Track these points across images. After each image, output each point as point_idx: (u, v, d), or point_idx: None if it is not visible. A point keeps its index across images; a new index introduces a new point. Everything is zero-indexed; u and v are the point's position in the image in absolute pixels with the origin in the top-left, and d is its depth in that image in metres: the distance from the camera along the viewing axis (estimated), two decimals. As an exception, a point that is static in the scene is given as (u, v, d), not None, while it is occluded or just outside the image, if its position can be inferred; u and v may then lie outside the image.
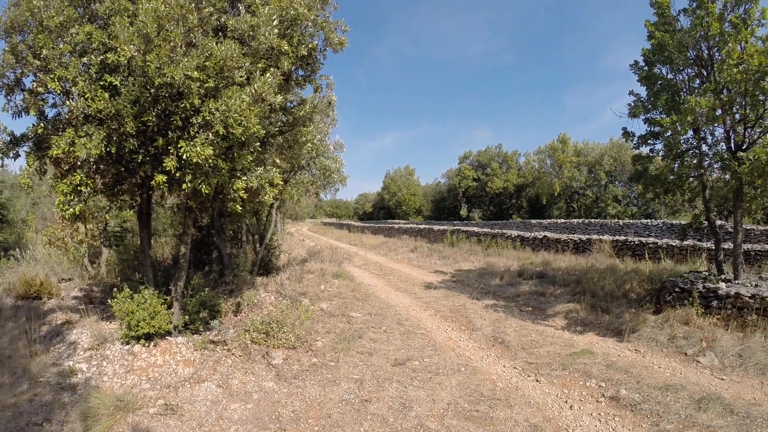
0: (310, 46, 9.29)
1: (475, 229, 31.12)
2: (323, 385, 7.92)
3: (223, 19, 8.09)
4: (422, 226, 38.77)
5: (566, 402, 7.45)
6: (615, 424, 6.76)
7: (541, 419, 6.86)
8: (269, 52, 8.22)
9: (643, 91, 12.98)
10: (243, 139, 7.62)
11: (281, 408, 7.16)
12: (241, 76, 7.66)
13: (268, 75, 7.84)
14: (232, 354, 8.99)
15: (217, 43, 7.41)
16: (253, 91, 7.55)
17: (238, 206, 8.45)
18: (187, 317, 9.67)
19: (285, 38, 8.48)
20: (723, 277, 11.96)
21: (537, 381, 8.27)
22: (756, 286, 10.99)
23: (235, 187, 7.98)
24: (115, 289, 9.31)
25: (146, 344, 8.89)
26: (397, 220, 70.54)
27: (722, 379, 8.35)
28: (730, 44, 10.78)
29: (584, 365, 8.85)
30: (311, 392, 7.66)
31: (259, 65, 8.08)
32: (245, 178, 8.15)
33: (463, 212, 68.63)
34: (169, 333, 9.28)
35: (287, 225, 59.59)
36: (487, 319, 12.22)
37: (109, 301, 9.22)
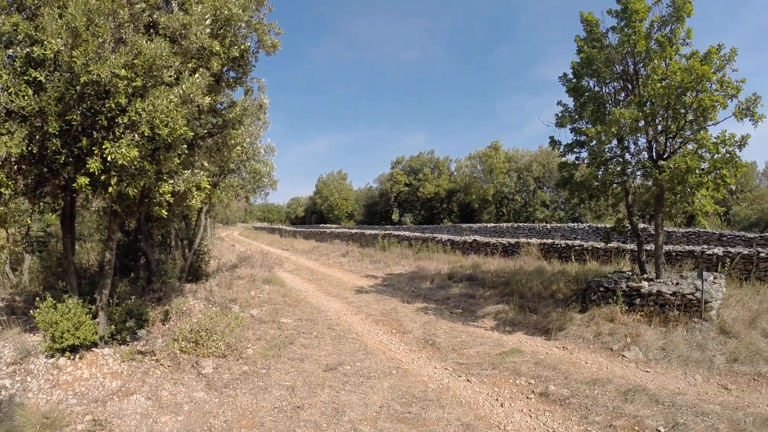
0: (242, 47, 9.11)
1: (407, 233, 31.40)
2: (255, 393, 7.78)
3: (155, 16, 7.81)
4: (354, 231, 38.79)
5: (497, 400, 7.62)
6: (545, 419, 6.95)
7: (473, 418, 6.97)
8: (200, 52, 8.00)
9: (570, 102, 13.54)
10: (169, 140, 7.36)
11: (213, 419, 6.99)
12: (170, 76, 7.42)
13: (197, 76, 7.62)
14: (161, 364, 8.67)
15: (147, 41, 7.18)
16: (181, 91, 7.32)
17: (164, 211, 8.13)
18: (113, 327, 9.22)
19: (217, 38, 8.28)
20: (645, 276, 12.54)
21: (468, 381, 8.43)
22: (677, 284, 11.63)
23: (161, 191, 7.69)
24: (37, 299, 8.81)
25: (72, 357, 8.43)
26: (329, 225, 70.45)
27: (647, 372, 8.78)
28: (655, 61, 11.41)
29: (514, 364, 9.08)
30: (243, 401, 7.51)
31: (190, 65, 7.85)
32: (172, 181, 7.89)
33: (395, 217, 69.05)
34: (95, 344, 8.84)
35: (218, 229, 58.56)
36: (418, 322, 12.35)
37: (31, 311, 8.72)
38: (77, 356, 8.49)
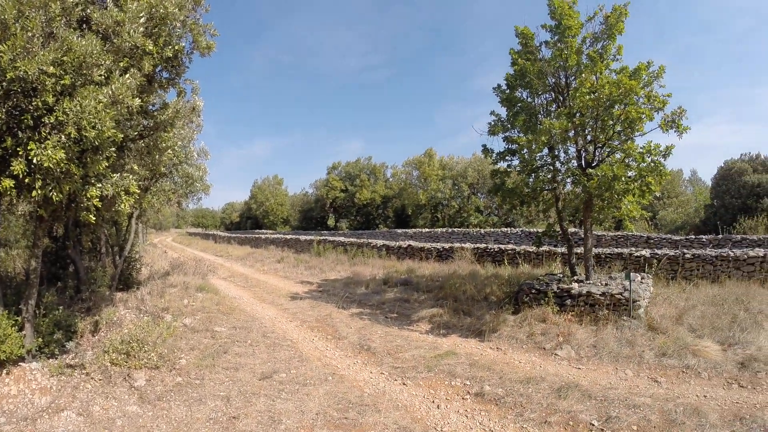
0: (176, 47, 8.86)
1: (342, 239, 31.29)
2: (189, 405, 7.55)
3: (88, 11, 7.51)
4: (289, 237, 38.44)
5: (433, 402, 7.68)
6: (481, 419, 7.06)
7: (410, 420, 7.00)
8: (133, 51, 7.74)
9: (503, 112, 13.91)
10: (97, 143, 7.06)
11: (146, 432, 6.76)
12: (100, 75, 7.14)
13: (127, 76, 7.38)
14: (92, 378, 8.30)
15: (78, 37, 6.90)
16: (111, 92, 7.07)
17: (92, 216, 7.76)
18: (40, 340, 8.72)
19: (151, 37, 8.03)
20: (576, 278, 12.98)
21: (404, 384, 8.46)
22: (606, 284, 12.09)
23: (88, 195, 7.37)
24: (-40, 312, 8.34)
25: (-3, 372, 8.03)
26: (264, 231, 69.44)
27: (579, 369, 9.07)
28: (584, 74, 11.83)
29: (449, 366, 9.21)
30: (177, 413, 7.27)
31: (122, 64, 7.60)
32: (100, 185, 7.59)
33: (331, 222, 68.81)
34: (22, 358, 8.32)
35: (150, 235, 56.88)
36: (353, 327, 12.35)
37: (-47, 325, 8.24)
38: (4, 372, 7.99)
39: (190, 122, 12.26)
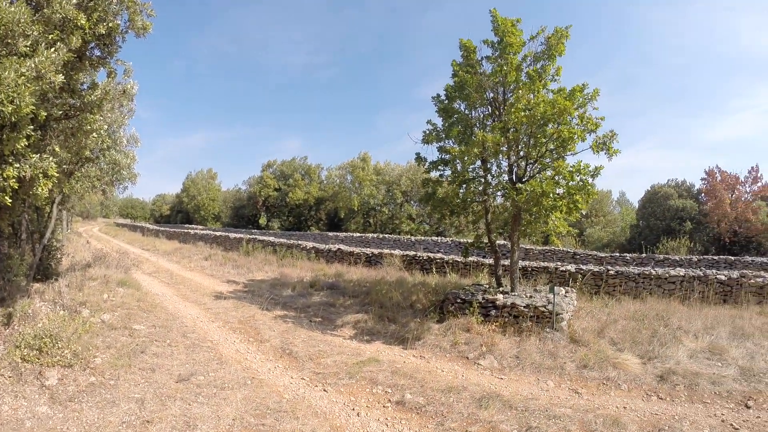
0: (110, 24, 8.47)
1: (272, 238, 30.86)
2: (102, 407, 7.17)
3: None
4: (219, 233, 37.67)
5: (353, 409, 7.60)
6: (402, 427, 7.03)
7: (329, 428, 6.92)
8: (64, 24, 7.36)
9: (440, 122, 14.07)
10: (14, 119, 6.68)
11: (55, 435, 6.37)
12: (26, 46, 6.76)
13: (52, 50, 7.00)
14: (1, 375, 7.79)
15: (7, 3, 6.49)
16: (34, 65, 6.68)
17: (8, 198, 7.36)
18: None
19: (85, 11, 7.66)
20: (501, 289, 13.23)
21: (324, 391, 8.34)
22: (531, 297, 12.40)
23: (4, 175, 6.96)
24: None
25: None
26: (194, 226, 67.90)
27: (501, 379, 9.19)
28: (521, 91, 12.09)
29: (371, 373, 9.13)
30: (89, 416, 6.90)
31: (51, 36, 7.20)
32: (18, 165, 7.19)
33: (263, 221, 67.73)
34: None
35: (76, 224, 54.76)
36: (276, 330, 12.10)
37: None
38: None
39: (120, 105, 11.69)
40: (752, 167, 41.82)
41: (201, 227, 63.48)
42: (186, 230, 46.54)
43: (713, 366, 9.88)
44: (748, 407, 8.14)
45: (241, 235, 33.98)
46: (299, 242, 28.55)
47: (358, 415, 7.40)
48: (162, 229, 53.40)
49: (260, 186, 69.63)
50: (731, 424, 7.44)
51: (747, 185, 41.09)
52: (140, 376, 8.53)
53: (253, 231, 50.85)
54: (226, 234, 36.43)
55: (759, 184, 40.81)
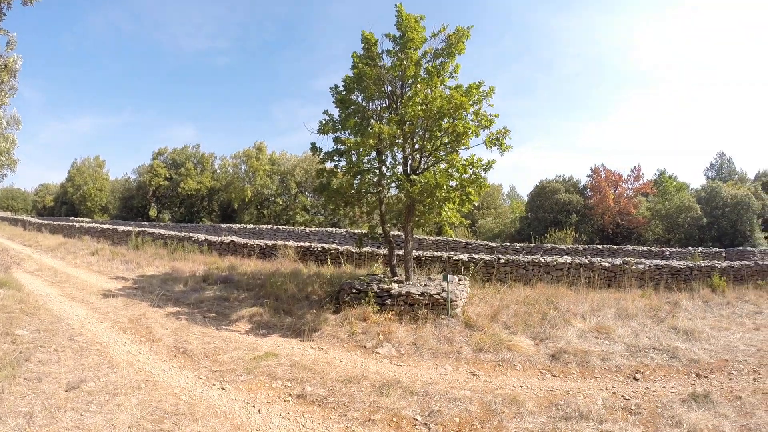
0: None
1: (163, 231, 29.76)
2: (-15, 425, 6.65)
3: None
4: (106, 227, 35.75)
5: (254, 406, 7.49)
6: (304, 421, 7.04)
7: (230, 428, 6.80)
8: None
9: (337, 113, 14.12)
10: None
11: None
12: None
13: None
14: None
15: None
16: None
17: None
18: None
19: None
20: (396, 278, 13.54)
21: (222, 389, 8.16)
22: (425, 285, 12.78)
23: None
24: None
25: None
26: (80, 219, 63.75)
27: (400, 366, 9.43)
28: (419, 86, 12.36)
29: (269, 367, 9.04)
30: (-30, 437, 6.38)
31: None
32: None
33: (153, 213, 64.76)
34: None
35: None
36: (169, 328, 11.64)
37: None
38: None
39: (0, 82, 10.80)
40: (635, 167, 45.62)
41: (87, 220, 59.87)
42: (71, 223, 43.81)
43: (602, 344, 10.75)
44: (636, 379, 9.08)
45: (130, 228, 32.44)
46: (191, 234, 27.68)
47: (259, 411, 7.31)
48: (45, 222, 49.97)
49: (150, 175, 66.03)
50: (622, 395, 8.22)
51: (630, 182, 44.72)
52: (26, 387, 7.90)
53: (142, 223, 48.69)
54: (114, 227, 34.68)
55: (640, 181, 44.87)
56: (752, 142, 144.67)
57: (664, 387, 8.73)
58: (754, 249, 31.66)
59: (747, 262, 19.62)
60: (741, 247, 33.77)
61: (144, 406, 7.32)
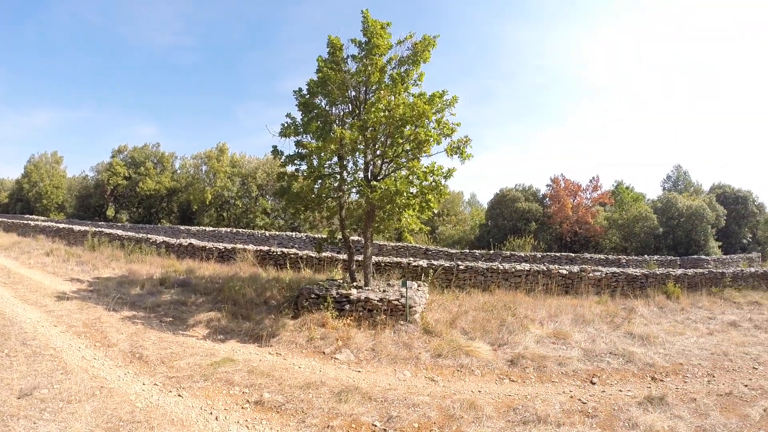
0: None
1: (120, 232, 29.20)
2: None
3: None
4: (62, 226, 34.78)
5: (211, 414, 7.40)
6: (262, 428, 7.01)
7: (187, 436, 6.65)
8: None
9: (300, 116, 14.08)
10: None
11: None
12: None
13: None
14: None
15: None
16: None
17: None
18: None
19: None
20: (355, 284, 13.60)
21: (179, 396, 8.03)
22: (384, 291, 12.87)
23: None
24: None
25: None
26: (35, 217, 61.74)
27: (359, 372, 9.46)
28: (383, 92, 12.41)
29: (226, 373, 8.93)
30: None
31: None
32: None
33: (111, 212, 63.12)
34: None
35: None
36: (125, 333, 11.38)
37: None
38: None
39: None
40: (593, 177, 46.39)
41: (43, 218, 58.08)
42: (25, 222, 42.47)
43: (559, 349, 10.98)
44: (593, 383, 9.33)
45: (87, 228, 31.69)
46: (149, 236, 27.18)
47: (216, 419, 7.22)
48: None
49: (109, 173, 64.06)
50: (579, 399, 8.44)
51: (588, 192, 45.62)
52: (-24, 394, 7.72)
53: (99, 223, 47.49)
54: (70, 226, 33.78)
55: (599, 191, 45.83)
56: (707, 156, 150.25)
57: (621, 390, 8.99)
58: (708, 257, 33.31)
59: (701, 270, 20.43)
60: (695, 256, 35.20)
61: (99, 414, 7.17)
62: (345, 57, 13.55)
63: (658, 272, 19.07)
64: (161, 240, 25.84)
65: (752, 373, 10.38)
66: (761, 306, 17.36)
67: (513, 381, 9.29)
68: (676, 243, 40.06)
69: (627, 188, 55.12)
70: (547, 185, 47.68)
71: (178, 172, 64.97)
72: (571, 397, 8.58)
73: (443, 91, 13.06)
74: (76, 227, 32.55)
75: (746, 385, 9.53)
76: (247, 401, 7.85)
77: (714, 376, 10.01)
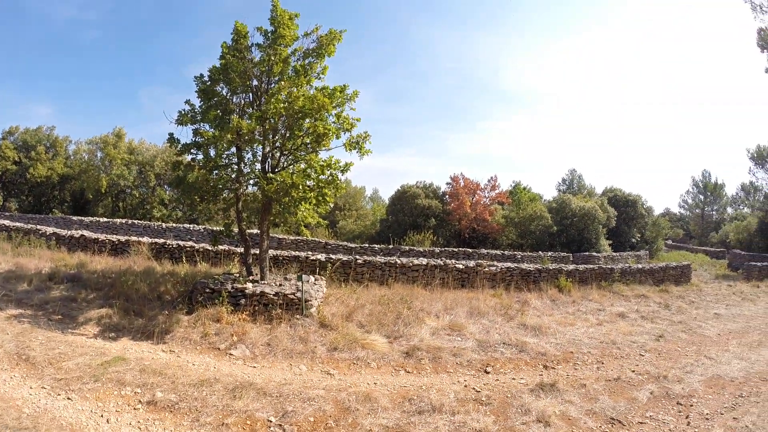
0: None
1: (7, 222, 27.40)
2: None
3: None
4: (-62, 217, 32.55)
5: (102, 416, 7.12)
6: (155, 429, 6.83)
7: (77, 441, 6.39)
8: None
9: (199, 103, 13.73)
10: None
11: None
12: None
13: None
14: None
15: None
16: None
17: None
18: None
19: None
20: (252, 278, 13.50)
21: (68, 399, 7.64)
22: (280, 285, 12.89)
23: None
24: None
25: None
26: None
27: (254, 367, 9.40)
28: (284, 83, 12.35)
29: (118, 373, 8.59)
30: None
31: None
32: None
33: (-2, 200, 58.87)
34: None
35: None
36: (10, 333, 10.58)
37: None
38: None
39: None
40: (492, 177, 48.22)
41: None
42: None
43: (454, 341, 11.39)
44: (487, 372, 9.80)
45: (-32, 218, 29.75)
46: (39, 227, 25.65)
47: (107, 422, 6.94)
48: None
49: (-2, 157, 59.77)
50: (473, 388, 8.81)
51: (487, 191, 47.05)
52: None
53: (-17, 213, 44.62)
54: (-52, 217, 31.64)
55: (497, 191, 47.51)
56: (601, 162, 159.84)
57: (514, 379, 9.47)
58: (598, 254, 35.70)
59: (592, 266, 21.96)
60: (587, 253, 37.52)
61: (-17, 422, 6.71)
62: (250, 45, 13.34)
63: (551, 267, 20.19)
64: (51, 231, 24.49)
65: (639, 359, 11.23)
66: (647, 299, 18.83)
67: (409, 372, 9.53)
68: (569, 241, 42.15)
69: (524, 189, 57.42)
70: (447, 183, 48.89)
71: (72, 157, 60.92)
72: (466, 386, 8.92)
73: (344, 85, 13.15)
74: (-45, 218, 30.31)
75: (633, 371, 10.28)
76: (140, 401, 7.59)
77: (603, 363, 10.72)
